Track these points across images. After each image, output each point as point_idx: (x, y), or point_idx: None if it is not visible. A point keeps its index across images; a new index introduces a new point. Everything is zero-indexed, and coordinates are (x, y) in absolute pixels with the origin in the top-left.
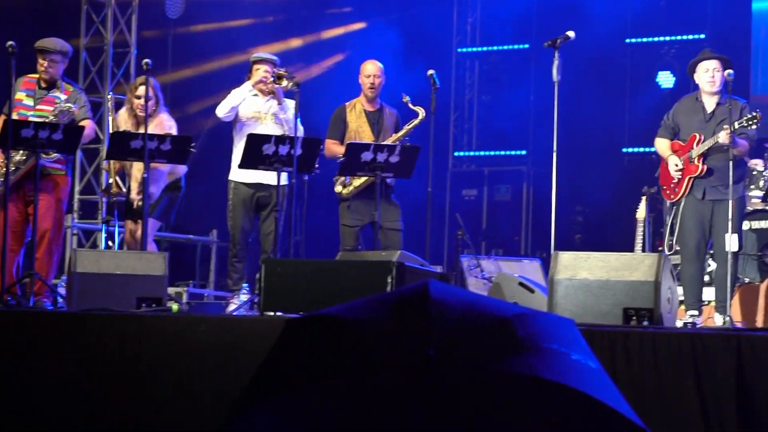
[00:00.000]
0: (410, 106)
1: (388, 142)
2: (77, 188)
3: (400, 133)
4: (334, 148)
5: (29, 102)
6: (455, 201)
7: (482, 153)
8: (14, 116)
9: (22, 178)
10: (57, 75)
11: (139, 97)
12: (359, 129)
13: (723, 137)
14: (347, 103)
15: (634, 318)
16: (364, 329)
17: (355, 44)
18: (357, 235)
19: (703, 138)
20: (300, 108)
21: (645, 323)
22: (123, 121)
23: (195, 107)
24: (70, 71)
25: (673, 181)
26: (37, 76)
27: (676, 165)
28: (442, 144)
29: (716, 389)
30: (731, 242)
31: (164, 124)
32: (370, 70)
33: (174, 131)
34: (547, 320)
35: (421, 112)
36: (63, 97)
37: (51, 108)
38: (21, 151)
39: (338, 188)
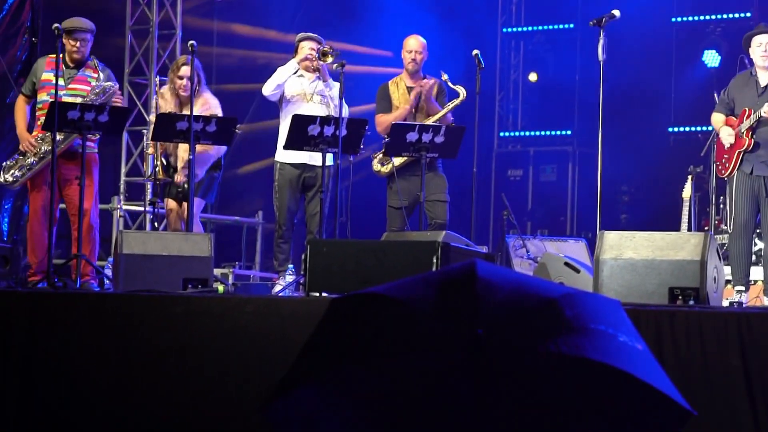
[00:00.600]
0: (450, 84)
1: (430, 119)
2: (123, 170)
3: (441, 113)
4: (387, 119)
5: (60, 82)
6: (501, 181)
7: (528, 133)
8: (44, 96)
9: (57, 158)
10: (86, 54)
11: (181, 78)
12: (402, 106)
13: (766, 109)
14: (390, 81)
15: (680, 297)
16: (412, 308)
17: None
18: (404, 215)
19: (752, 112)
20: (345, 88)
21: (691, 302)
22: (165, 101)
23: (240, 88)
24: (116, 53)
25: (725, 156)
26: (57, 56)
27: (729, 134)
28: (487, 124)
29: (763, 369)
30: None
31: (210, 103)
32: (412, 45)
33: (218, 111)
34: (594, 301)
35: (462, 92)
36: (94, 75)
37: (86, 87)
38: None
39: (376, 167)
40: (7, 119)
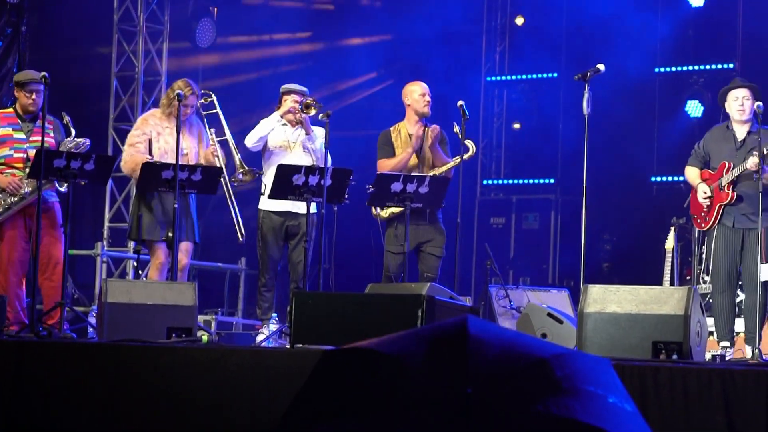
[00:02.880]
0: (461, 138)
1: (436, 171)
2: (107, 216)
3: (448, 166)
4: (389, 164)
5: (20, 135)
6: (483, 228)
7: (511, 181)
8: (7, 151)
9: (24, 209)
10: (40, 105)
11: (187, 106)
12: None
13: (751, 163)
14: (391, 128)
15: (664, 352)
16: (402, 364)
17: (386, 72)
18: (401, 261)
19: (732, 166)
20: (329, 137)
21: (674, 357)
22: (151, 125)
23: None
24: (101, 99)
25: (704, 209)
26: (10, 110)
27: (705, 192)
28: (470, 172)
29: (747, 426)
30: (761, 271)
31: (203, 135)
32: (423, 88)
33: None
34: (584, 361)
35: (472, 147)
36: (50, 127)
37: (48, 139)
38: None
39: (375, 210)
40: None
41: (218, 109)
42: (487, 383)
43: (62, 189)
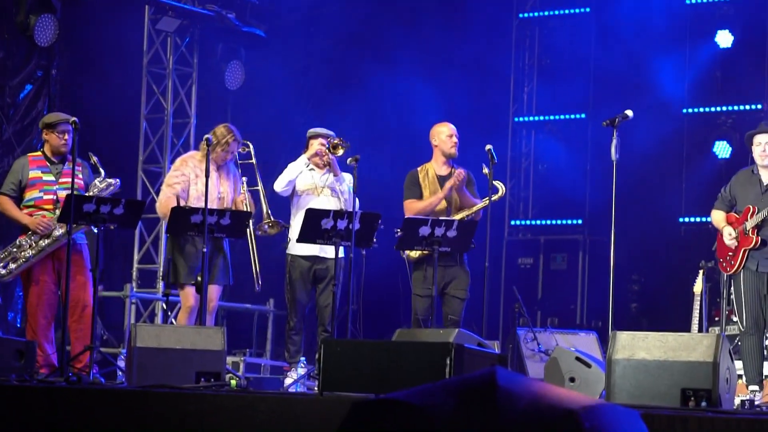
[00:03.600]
0: (490, 180)
1: (464, 213)
2: (136, 257)
3: (477, 207)
4: (418, 206)
5: (50, 177)
6: (511, 269)
7: (538, 222)
8: (36, 193)
9: (53, 252)
10: (70, 146)
11: (227, 151)
12: (432, 193)
13: None
14: (419, 168)
15: (692, 399)
16: (431, 416)
17: (414, 113)
18: (429, 304)
19: (757, 210)
20: (358, 179)
21: (703, 404)
22: (190, 167)
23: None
24: (131, 141)
25: (729, 253)
26: (39, 153)
27: (731, 234)
28: (497, 212)
29: None
30: None
31: (238, 182)
32: (451, 129)
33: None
34: (613, 413)
35: (501, 188)
36: (79, 168)
37: (78, 181)
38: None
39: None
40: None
41: (254, 159)
42: None
43: (95, 230)
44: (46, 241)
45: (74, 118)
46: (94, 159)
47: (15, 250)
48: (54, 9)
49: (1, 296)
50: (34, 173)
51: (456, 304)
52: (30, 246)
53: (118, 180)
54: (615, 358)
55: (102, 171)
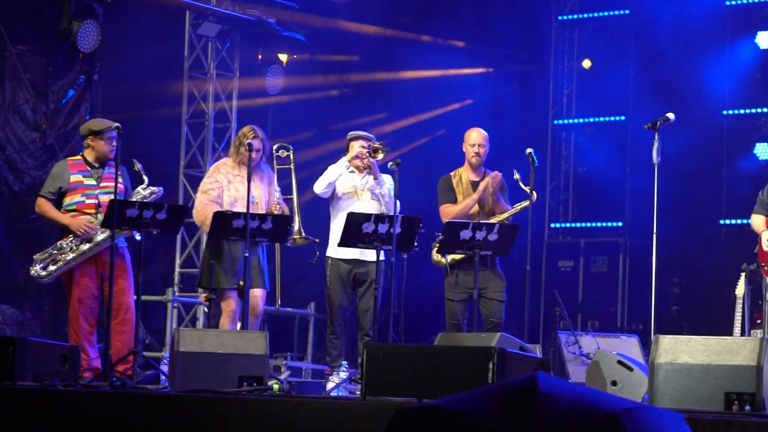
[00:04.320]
0: (521, 185)
1: (496, 218)
2: (177, 261)
3: (509, 213)
4: (453, 210)
5: (91, 182)
6: (551, 272)
7: (578, 224)
8: (78, 197)
9: (95, 256)
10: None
11: (252, 150)
12: (466, 199)
13: None
14: (452, 173)
15: (736, 403)
16: (473, 422)
17: (453, 117)
18: (462, 309)
19: None
20: (399, 183)
21: (747, 408)
22: (223, 174)
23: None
24: (172, 146)
25: None
26: (79, 157)
27: None
28: (537, 215)
29: None
30: None
31: (273, 185)
32: (475, 138)
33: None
34: (656, 415)
35: (534, 195)
36: (119, 173)
37: (120, 185)
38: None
39: (436, 257)
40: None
41: (292, 165)
42: None
43: (138, 237)
44: (88, 246)
45: (117, 125)
46: (139, 166)
47: (56, 252)
48: (96, 15)
49: (45, 302)
50: (75, 177)
51: (495, 306)
52: (71, 249)
53: (161, 188)
54: (658, 362)
55: (146, 178)
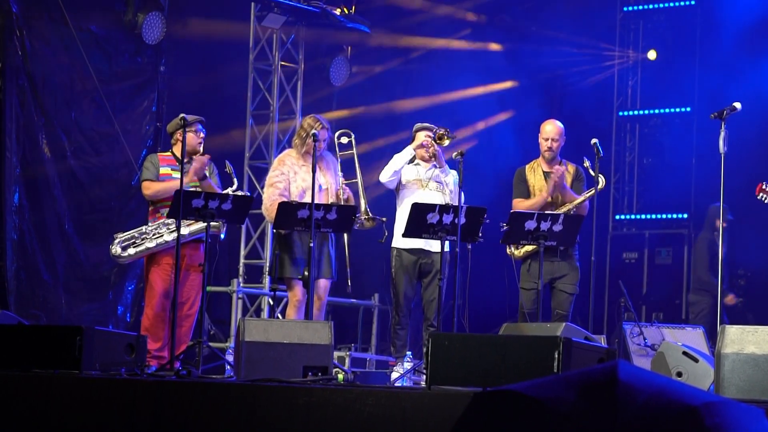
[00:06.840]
0: (591, 172)
1: (565, 207)
2: (242, 253)
3: (578, 201)
4: (525, 205)
5: (178, 175)
6: (616, 264)
7: (643, 216)
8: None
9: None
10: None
11: (317, 140)
12: (539, 191)
13: None
14: (527, 165)
15: None
16: (551, 409)
17: (517, 106)
18: (535, 297)
19: None
20: (463, 174)
21: None
22: (288, 165)
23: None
24: (237, 137)
25: None
26: (168, 153)
27: None
28: (602, 206)
29: None
30: None
31: (337, 175)
32: (549, 132)
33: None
34: (736, 410)
35: (602, 181)
36: (206, 167)
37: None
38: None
39: (510, 249)
40: (132, 201)
41: (354, 150)
42: (635, 429)
43: (222, 236)
44: (170, 237)
45: (200, 118)
46: (230, 168)
47: (138, 235)
48: (162, 7)
49: (111, 291)
50: (164, 170)
51: (564, 298)
52: (153, 236)
53: (248, 193)
54: (724, 353)
55: (235, 181)
